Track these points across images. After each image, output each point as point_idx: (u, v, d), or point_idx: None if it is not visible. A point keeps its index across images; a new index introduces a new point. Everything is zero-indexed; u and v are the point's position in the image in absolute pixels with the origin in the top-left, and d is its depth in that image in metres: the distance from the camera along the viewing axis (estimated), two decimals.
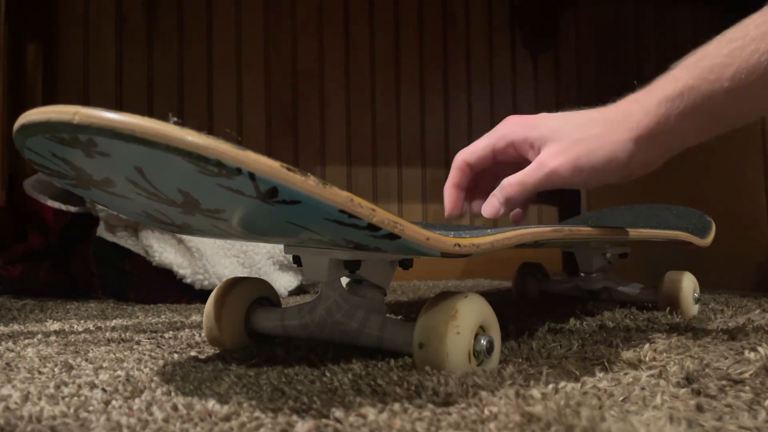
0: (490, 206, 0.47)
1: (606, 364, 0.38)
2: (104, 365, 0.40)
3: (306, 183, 0.27)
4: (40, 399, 0.31)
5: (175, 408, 0.29)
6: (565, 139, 0.44)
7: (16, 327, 0.59)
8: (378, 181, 1.38)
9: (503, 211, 0.47)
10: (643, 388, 0.32)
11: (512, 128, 0.47)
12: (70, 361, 0.41)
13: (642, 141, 0.43)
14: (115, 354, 0.44)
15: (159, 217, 0.35)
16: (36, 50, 1.17)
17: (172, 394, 0.32)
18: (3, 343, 0.49)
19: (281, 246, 0.47)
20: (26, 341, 0.49)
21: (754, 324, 0.54)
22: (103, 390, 0.32)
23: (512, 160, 0.47)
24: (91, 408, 0.29)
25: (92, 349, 0.46)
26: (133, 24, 1.23)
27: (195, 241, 0.84)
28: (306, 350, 0.43)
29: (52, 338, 0.51)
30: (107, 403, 0.30)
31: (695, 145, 0.44)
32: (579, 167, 0.43)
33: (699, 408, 0.28)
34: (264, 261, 0.91)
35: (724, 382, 0.32)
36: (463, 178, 0.49)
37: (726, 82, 0.39)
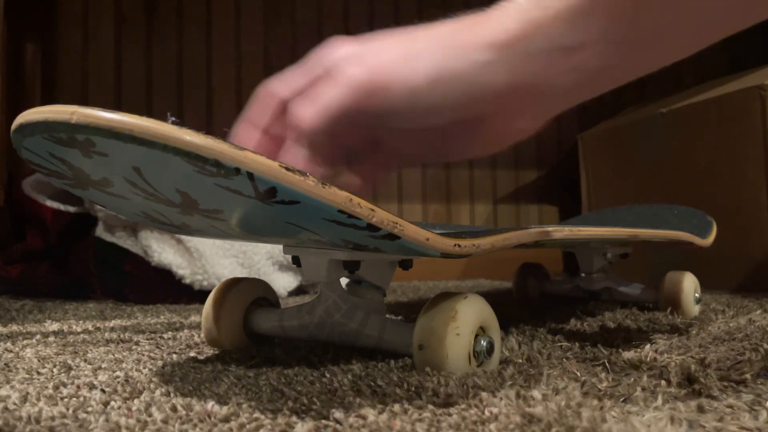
0: (290, 155, 0.32)
1: (607, 364, 0.37)
2: (103, 366, 0.39)
3: (305, 183, 0.27)
4: (38, 400, 0.31)
5: (174, 409, 0.28)
6: (377, 47, 0.31)
7: (14, 327, 0.59)
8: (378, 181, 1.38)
9: (307, 156, 0.32)
10: (644, 389, 0.32)
11: (329, 50, 0.33)
12: (69, 361, 0.41)
13: (501, 49, 0.28)
14: (114, 354, 0.43)
15: (157, 217, 0.35)
16: (35, 50, 1.17)
17: (171, 394, 0.31)
18: (1, 343, 0.49)
19: (280, 246, 0.47)
20: (25, 342, 0.49)
21: (755, 324, 0.54)
22: (102, 391, 0.32)
23: None
24: (90, 409, 0.29)
25: (91, 350, 0.46)
26: (132, 24, 1.23)
27: (194, 242, 0.84)
28: (305, 351, 0.43)
29: (51, 339, 0.51)
30: (106, 403, 0.30)
31: (604, 90, 0.30)
32: (389, 79, 0.30)
33: (700, 409, 0.28)
34: (263, 261, 0.91)
35: (725, 383, 0.32)
36: (264, 114, 0.34)
37: None
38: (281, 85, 0.34)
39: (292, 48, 1.33)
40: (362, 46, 0.32)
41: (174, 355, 0.43)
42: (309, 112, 0.31)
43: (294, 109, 0.32)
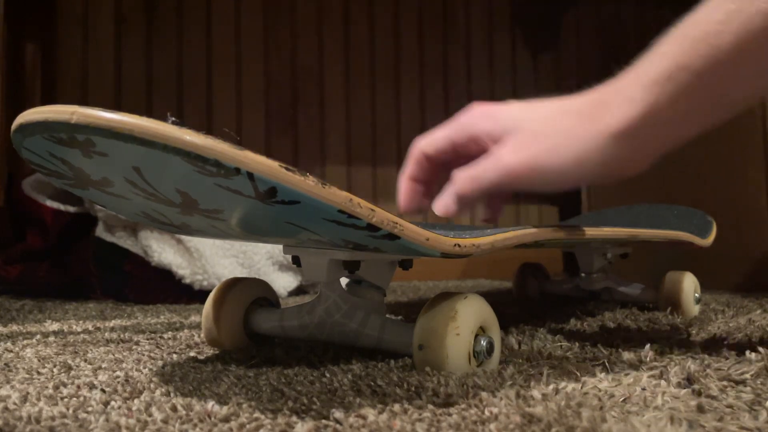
0: (441, 203, 0.41)
1: (607, 364, 0.37)
2: (103, 366, 0.39)
3: (305, 183, 0.27)
4: (39, 400, 0.31)
5: (174, 409, 0.28)
6: (526, 131, 0.38)
7: (14, 327, 0.59)
8: (377, 181, 1.38)
9: (455, 209, 0.41)
10: (644, 389, 0.32)
11: (473, 120, 0.40)
12: (69, 361, 0.41)
13: (624, 137, 0.35)
14: (114, 354, 0.44)
15: (157, 217, 0.35)
16: (35, 50, 1.17)
17: (172, 394, 0.31)
18: (2, 343, 0.49)
19: (280, 246, 0.47)
20: (25, 342, 0.49)
21: (755, 324, 0.54)
22: (102, 391, 0.32)
23: (475, 155, 0.40)
24: (90, 409, 0.29)
25: (91, 350, 0.46)
26: (132, 24, 1.23)
27: (194, 241, 0.84)
28: (305, 351, 0.43)
29: (51, 339, 0.51)
30: (106, 403, 0.30)
31: (695, 136, 0.37)
32: (538, 167, 0.37)
33: (700, 408, 0.28)
34: (263, 261, 0.91)
35: (725, 383, 0.32)
36: (419, 170, 0.43)
37: (723, 54, 0.32)
38: (428, 145, 0.42)
39: (292, 48, 1.33)
40: (511, 123, 0.39)
41: (174, 355, 0.43)
42: (468, 186, 0.39)
43: (457, 180, 0.40)
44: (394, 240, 0.31)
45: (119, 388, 0.33)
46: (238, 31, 1.30)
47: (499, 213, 0.45)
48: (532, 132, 0.38)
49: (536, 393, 0.30)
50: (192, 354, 0.44)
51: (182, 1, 1.26)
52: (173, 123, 0.25)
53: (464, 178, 0.39)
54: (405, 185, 0.43)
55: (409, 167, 0.43)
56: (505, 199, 0.45)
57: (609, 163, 0.37)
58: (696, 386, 0.32)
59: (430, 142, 0.42)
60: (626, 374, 0.35)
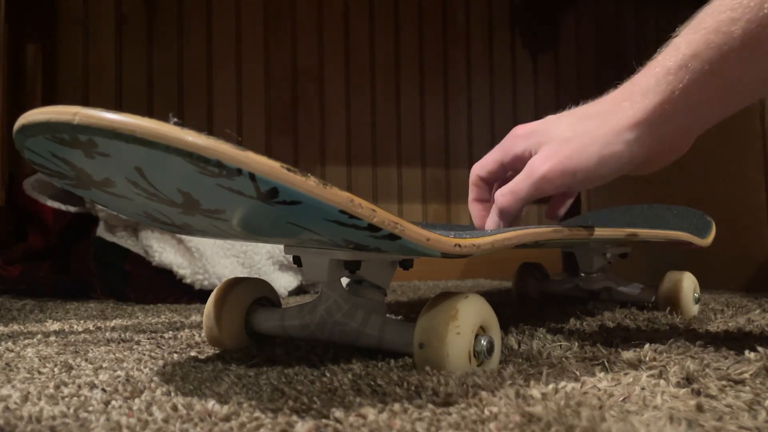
0: (490, 221, 0.46)
1: (606, 364, 0.38)
2: (104, 365, 0.39)
3: (306, 183, 0.27)
4: (39, 399, 0.31)
5: (174, 408, 0.29)
6: (555, 140, 0.41)
7: (15, 327, 0.59)
8: (378, 181, 1.38)
9: (502, 224, 0.45)
10: (643, 388, 0.32)
11: (515, 141, 0.44)
12: (70, 361, 0.41)
13: (643, 127, 0.38)
14: (114, 354, 0.44)
15: (159, 217, 0.35)
16: (36, 50, 1.17)
17: (172, 394, 0.32)
18: (3, 343, 0.49)
19: (281, 246, 0.47)
20: (26, 341, 0.49)
21: (754, 324, 0.54)
22: (103, 390, 0.32)
23: (521, 170, 0.45)
24: (90, 408, 0.29)
25: (92, 350, 0.46)
26: (132, 24, 1.23)
27: (195, 241, 0.84)
28: (306, 350, 0.43)
29: (52, 338, 0.51)
30: (107, 403, 0.30)
31: (718, 121, 0.38)
32: (569, 169, 0.40)
33: (699, 408, 0.28)
34: (264, 261, 0.91)
35: (724, 382, 0.32)
36: (480, 192, 0.48)
37: (736, 41, 0.33)
38: (481, 169, 0.47)
39: (293, 48, 1.34)
40: (543, 136, 0.42)
41: (175, 355, 0.43)
42: (507, 201, 0.43)
43: (497, 197, 0.44)
44: (394, 240, 0.31)
45: (120, 387, 0.33)
46: (239, 31, 1.30)
47: (563, 209, 0.50)
48: (559, 140, 0.41)
49: (536, 392, 0.30)
50: (193, 353, 0.44)
51: (182, 1, 1.26)
52: (175, 123, 0.25)
53: (504, 194, 0.43)
54: (473, 208, 0.49)
55: (472, 192, 0.48)
56: (567, 197, 0.49)
57: (635, 156, 0.39)
58: (695, 386, 0.32)
59: (482, 165, 0.47)
60: (625, 374, 0.35)
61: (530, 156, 0.43)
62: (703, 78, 0.35)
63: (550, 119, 0.44)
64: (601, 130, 0.39)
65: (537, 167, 0.41)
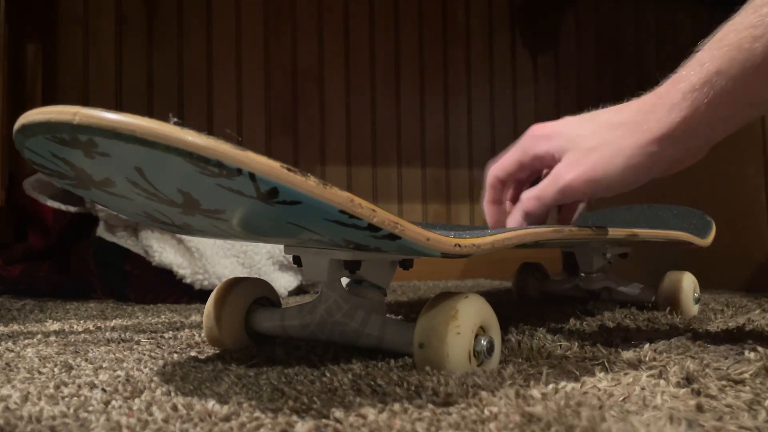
0: (513, 221, 0.47)
1: (606, 364, 0.38)
2: (104, 365, 0.39)
3: (306, 183, 0.27)
4: (39, 399, 0.31)
5: (174, 408, 0.29)
6: (580, 147, 0.42)
7: (15, 327, 0.59)
8: (378, 181, 1.38)
9: (525, 225, 0.46)
10: (643, 388, 0.32)
11: (534, 141, 0.45)
12: (70, 361, 0.41)
13: (667, 141, 0.39)
14: (114, 354, 0.44)
15: (159, 217, 0.35)
16: (36, 50, 1.17)
17: (172, 394, 0.32)
18: (3, 343, 0.49)
19: (281, 246, 0.47)
20: (26, 341, 0.49)
21: (754, 324, 0.54)
22: (103, 390, 0.32)
23: (540, 170, 0.47)
24: (90, 408, 0.29)
25: (92, 349, 0.46)
26: (132, 24, 1.23)
27: (195, 241, 0.84)
28: (306, 350, 0.43)
29: (52, 338, 0.51)
30: (107, 403, 0.30)
31: (735, 131, 0.40)
32: (594, 179, 0.41)
33: (699, 408, 0.28)
34: (264, 261, 0.91)
35: (724, 382, 0.32)
36: (496, 193, 0.48)
37: (758, 57, 0.34)
38: (499, 169, 0.48)
39: (293, 48, 1.34)
40: (567, 141, 0.43)
41: (175, 355, 0.43)
42: (533, 205, 0.45)
43: (523, 199, 0.45)
44: (394, 240, 0.31)
45: (120, 387, 0.33)
46: (239, 32, 1.30)
47: (576, 214, 0.52)
48: (584, 149, 0.42)
49: (536, 392, 0.30)
50: (193, 353, 0.44)
51: (183, 1, 1.26)
52: (175, 123, 0.25)
53: (530, 198, 0.45)
54: (488, 209, 0.49)
55: (488, 193, 0.49)
56: (580, 202, 0.50)
57: (657, 167, 0.41)
58: (695, 386, 0.32)
59: (501, 166, 0.48)
60: (625, 374, 0.35)
61: (552, 158, 0.44)
62: (726, 94, 0.36)
63: (571, 121, 0.44)
64: (626, 142, 0.40)
65: (562, 175, 0.43)
